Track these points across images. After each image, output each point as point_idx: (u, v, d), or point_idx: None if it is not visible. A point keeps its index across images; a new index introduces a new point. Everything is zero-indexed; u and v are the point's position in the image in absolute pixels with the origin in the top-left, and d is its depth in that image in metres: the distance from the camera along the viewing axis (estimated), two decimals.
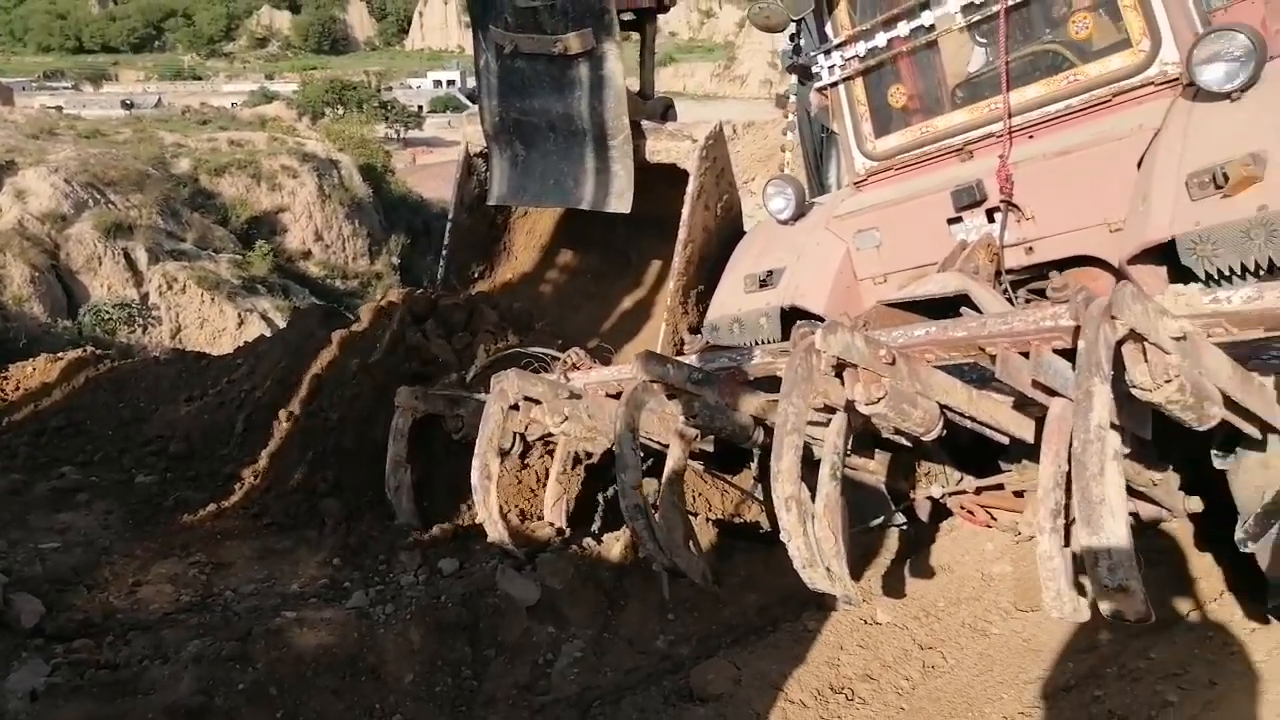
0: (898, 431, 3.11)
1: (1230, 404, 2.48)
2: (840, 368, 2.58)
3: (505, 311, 5.09)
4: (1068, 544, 2.42)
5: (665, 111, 5.62)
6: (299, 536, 4.12)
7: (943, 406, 2.82)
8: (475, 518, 3.99)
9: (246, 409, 4.85)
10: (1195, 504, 3.67)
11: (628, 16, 5.21)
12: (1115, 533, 2.00)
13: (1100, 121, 3.94)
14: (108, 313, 20.68)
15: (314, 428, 4.48)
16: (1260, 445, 2.95)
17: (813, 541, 2.60)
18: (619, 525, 4.35)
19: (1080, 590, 2.54)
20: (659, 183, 5.18)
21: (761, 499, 4.53)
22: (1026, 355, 2.64)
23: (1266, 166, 3.14)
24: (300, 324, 5.55)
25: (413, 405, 4.15)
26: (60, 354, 6.18)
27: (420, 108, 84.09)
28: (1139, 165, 3.64)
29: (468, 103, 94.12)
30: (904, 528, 4.42)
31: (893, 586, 3.94)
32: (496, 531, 3.68)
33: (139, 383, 5.60)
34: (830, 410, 2.87)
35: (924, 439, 2.82)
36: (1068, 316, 2.38)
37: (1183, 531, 4.02)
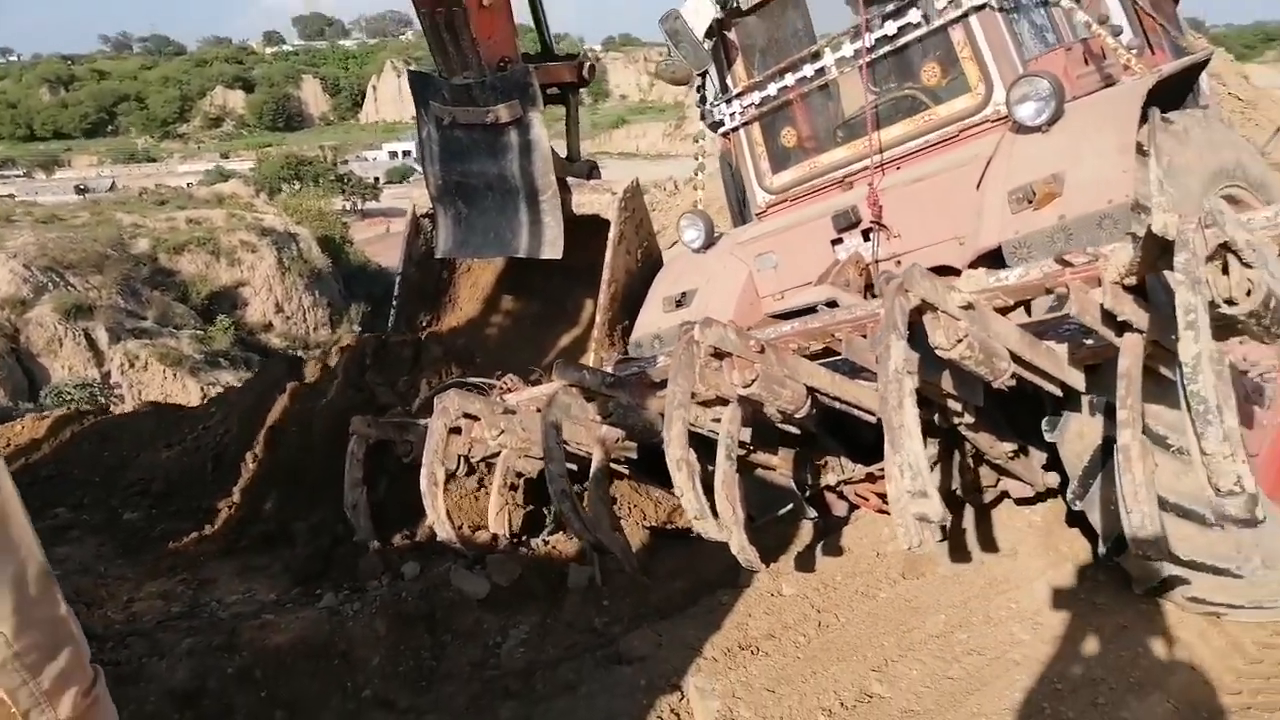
0: (785, 420, 3.72)
1: (1022, 363, 3.11)
2: (719, 357, 3.20)
3: (449, 348, 5.69)
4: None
5: (590, 171, 6.32)
6: (273, 555, 4.62)
7: (811, 389, 3.44)
8: (430, 528, 4.53)
9: (220, 450, 5.36)
10: (1052, 479, 4.31)
11: (552, 91, 5.92)
12: (912, 449, 2.59)
13: (949, 153, 4.65)
14: (69, 393, 20.90)
15: (281, 462, 4.99)
16: (1076, 409, 3.58)
17: (702, 498, 3.16)
18: (561, 533, 4.92)
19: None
20: (589, 238, 5.83)
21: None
22: (865, 336, 3.29)
23: (1065, 184, 3.84)
24: (265, 373, 6.09)
25: (366, 432, 4.66)
26: (46, 413, 6.66)
27: (376, 179, 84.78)
28: (978, 187, 4.34)
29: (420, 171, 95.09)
30: (814, 519, 5.01)
31: (798, 566, 4.52)
32: (445, 531, 4.21)
33: (121, 433, 6.09)
34: (723, 401, 3.48)
35: (796, 416, 3.42)
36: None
37: (1054, 508, 4.62)
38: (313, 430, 5.08)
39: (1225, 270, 2.44)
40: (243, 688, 3.55)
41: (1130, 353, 2.77)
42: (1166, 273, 2.78)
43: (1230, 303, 2.43)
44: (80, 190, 67.09)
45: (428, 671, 3.88)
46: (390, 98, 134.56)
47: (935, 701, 3.43)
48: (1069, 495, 3.86)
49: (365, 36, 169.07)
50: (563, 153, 6.13)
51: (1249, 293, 2.42)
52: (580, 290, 6.45)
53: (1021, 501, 4.66)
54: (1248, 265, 2.43)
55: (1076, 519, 4.34)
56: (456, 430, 4.48)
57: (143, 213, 32.33)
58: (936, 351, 2.84)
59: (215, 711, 3.42)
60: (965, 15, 4.58)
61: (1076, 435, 3.59)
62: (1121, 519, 2.77)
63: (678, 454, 3.08)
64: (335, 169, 75.00)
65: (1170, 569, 3.55)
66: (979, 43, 4.59)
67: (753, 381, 3.11)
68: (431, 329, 6.61)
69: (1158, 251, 2.57)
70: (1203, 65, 4.95)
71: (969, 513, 4.72)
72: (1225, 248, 2.41)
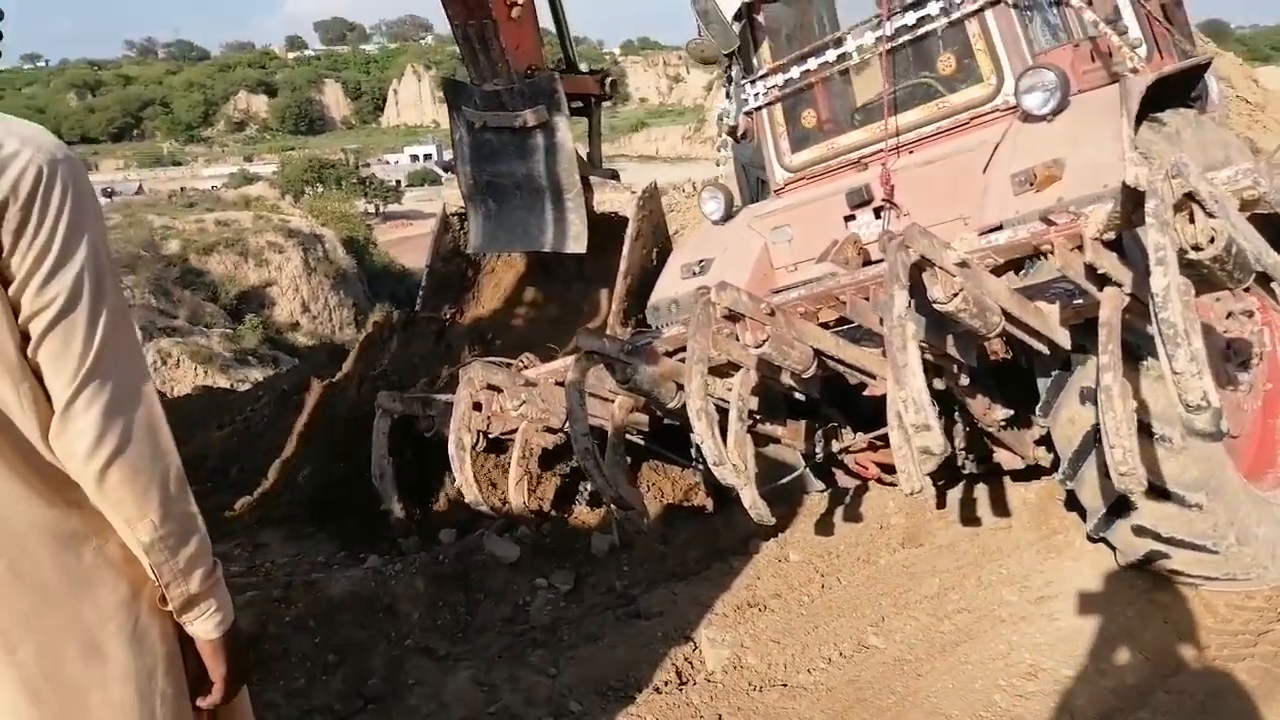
0: (794, 384, 4.01)
1: (1012, 320, 3.38)
2: (733, 319, 3.51)
3: (472, 330, 6.08)
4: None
5: (613, 178, 6.70)
6: (320, 523, 5.01)
7: (817, 351, 3.75)
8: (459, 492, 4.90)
9: (269, 428, 5.75)
10: (1043, 454, 4.60)
11: (576, 104, 6.28)
12: (915, 386, 2.90)
13: (959, 139, 4.88)
14: None
15: (323, 437, 5.38)
16: (1069, 399, 3.84)
17: (720, 444, 3.45)
18: (586, 507, 5.30)
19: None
20: (607, 243, 6.19)
21: (703, 479, 5.44)
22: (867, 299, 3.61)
23: (1065, 169, 4.09)
24: (308, 359, 6.51)
25: (391, 406, 4.97)
26: None
27: (398, 182, 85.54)
28: (985, 171, 4.54)
29: (444, 174, 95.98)
30: (822, 490, 5.35)
31: (805, 535, 4.86)
32: (472, 493, 4.55)
33: (174, 415, 6.45)
34: (735, 368, 3.80)
35: (804, 376, 3.71)
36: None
37: (1048, 487, 4.92)
38: (348, 405, 5.47)
39: (1191, 219, 2.75)
40: (298, 634, 3.93)
41: (1110, 304, 3.05)
42: (1140, 229, 3.07)
43: (1196, 249, 2.74)
44: (107, 193, 68.00)
45: (464, 625, 4.25)
46: (411, 101, 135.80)
47: (926, 651, 3.74)
48: (1060, 475, 4.13)
49: (386, 41, 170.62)
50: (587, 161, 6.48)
51: (1212, 239, 2.73)
52: (595, 295, 6.78)
53: (1017, 479, 4.97)
54: (1211, 215, 2.74)
55: (1069, 501, 4.63)
56: (478, 406, 4.79)
57: (172, 215, 33.00)
58: (934, 305, 3.10)
59: (275, 653, 3.79)
60: (981, 9, 4.81)
61: (1068, 421, 3.85)
62: (1112, 476, 3.04)
63: (698, 404, 3.37)
64: (357, 172, 75.55)
65: (1153, 544, 3.83)
66: (993, 36, 4.82)
67: (764, 341, 3.41)
68: (455, 320, 6.99)
69: (1132, 205, 2.85)
70: (1203, 68, 5.18)
71: (967, 488, 5.04)
72: (1190, 197, 2.72)
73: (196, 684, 1.70)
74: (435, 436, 4.98)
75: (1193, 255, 2.76)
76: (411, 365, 5.80)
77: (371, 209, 67.17)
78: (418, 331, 6.00)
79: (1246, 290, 3.45)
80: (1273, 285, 3.28)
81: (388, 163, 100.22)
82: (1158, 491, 3.56)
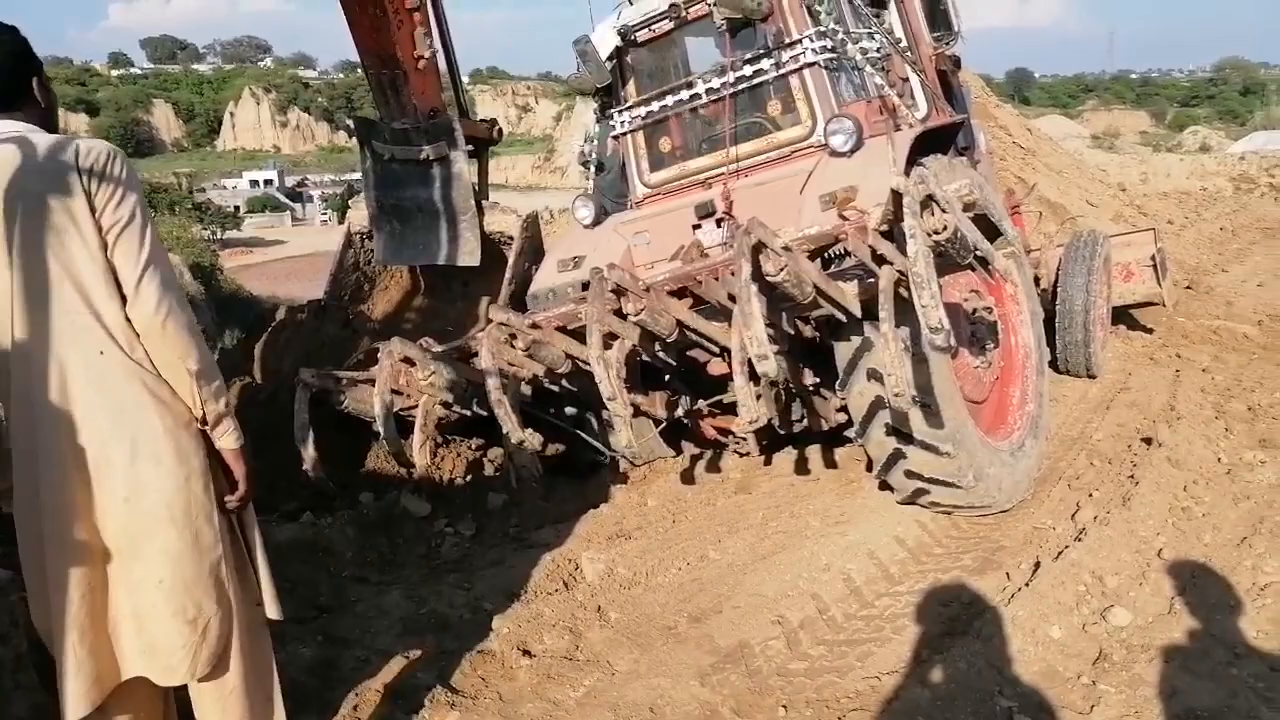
0: (658, 355, 5.13)
1: (821, 294, 4.53)
2: (618, 293, 4.56)
3: (371, 326, 7.10)
4: (751, 379, 4.23)
5: (496, 207, 7.77)
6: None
7: (679, 322, 4.83)
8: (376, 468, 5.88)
9: None
10: (841, 417, 5.91)
11: (469, 147, 7.35)
12: (757, 327, 3.91)
13: (784, 166, 6.10)
14: None
15: (252, 417, 6.17)
16: (859, 376, 5.09)
17: (615, 383, 4.40)
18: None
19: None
20: (489, 266, 7.24)
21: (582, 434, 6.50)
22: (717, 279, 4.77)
23: (858, 193, 5.24)
24: (224, 359, 7.26)
25: (310, 381, 5.70)
26: None
27: (237, 208, 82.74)
28: (801, 192, 5.69)
29: (287, 202, 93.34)
30: (674, 456, 6.57)
31: (661, 486, 6.07)
32: (396, 445, 5.39)
33: None
34: (614, 337, 4.82)
35: (668, 340, 4.79)
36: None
37: (851, 452, 6.27)
38: (274, 383, 6.34)
39: (932, 213, 4.05)
40: None
41: (886, 277, 4.24)
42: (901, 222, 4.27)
43: (936, 233, 4.03)
44: None
45: (389, 561, 5.22)
46: (250, 125, 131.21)
47: (750, 559, 4.95)
48: (854, 434, 5.43)
49: (221, 62, 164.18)
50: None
51: (945, 227, 4.05)
52: (475, 311, 7.68)
53: (827, 447, 6.32)
54: (944, 210, 4.06)
55: (868, 464, 5.83)
56: (397, 392, 5.70)
57: None
58: (767, 278, 4.20)
59: None
60: (801, 68, 6.06)
61: (859, 394, 5.08)
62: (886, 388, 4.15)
63: (597, 353, 4.39)
64: (192, 197, 72.67)
65: (918, 483, 5.13)
66: (809, 89, 6.08)
67: (640, 310, 4.50)
68: (358, 316, 7.87)
69: (898, 204, 4.08)
70: (958, 126, 6.69)
71: (790, 451, 6.36)
72: (930, 198, 4.02)
73: (222, 497, 2.49)
74: (344, 410, 5.83)
75: (933, 239, 4.07)
76: (322, 347, 6.71)
77: (210, 235, 64.76)
78: (328, 318, 6.93)
79: (978, 275, 4.85)
80: (990, 266, 4.72)
81: (225, 188, 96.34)
82: (922, 445, 4.88)
